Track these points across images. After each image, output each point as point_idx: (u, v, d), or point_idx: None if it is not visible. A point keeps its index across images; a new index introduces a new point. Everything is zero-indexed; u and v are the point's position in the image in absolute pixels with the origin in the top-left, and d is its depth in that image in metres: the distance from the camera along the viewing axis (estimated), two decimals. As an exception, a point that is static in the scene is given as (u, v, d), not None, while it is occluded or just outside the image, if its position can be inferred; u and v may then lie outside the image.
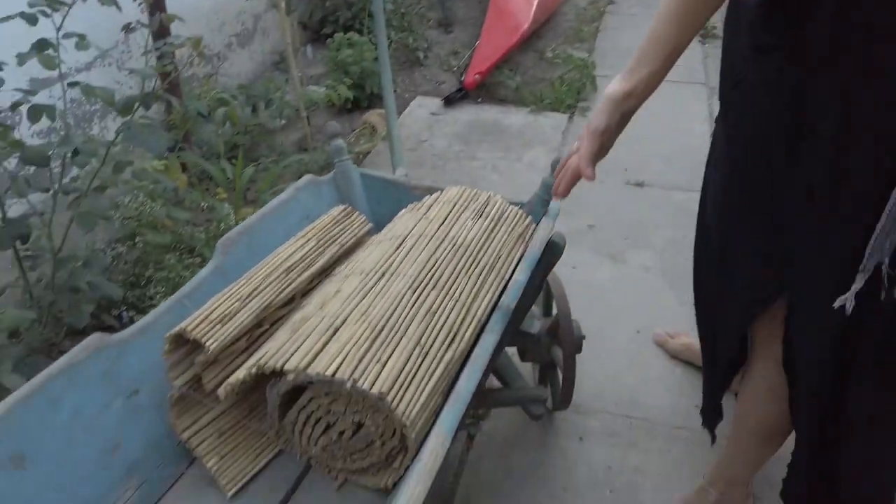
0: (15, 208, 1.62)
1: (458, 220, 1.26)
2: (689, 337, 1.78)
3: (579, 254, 2.18)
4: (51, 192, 1.63)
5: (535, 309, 1.59)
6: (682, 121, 2.98)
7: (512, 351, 1.60)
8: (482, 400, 1.46)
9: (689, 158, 2.71)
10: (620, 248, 2.21)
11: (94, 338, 1.03)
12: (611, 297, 2.00)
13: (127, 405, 1.05)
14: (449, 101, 3.21)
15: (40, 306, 1.56)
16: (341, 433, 1.01)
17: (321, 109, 3.19)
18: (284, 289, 1.20)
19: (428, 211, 1.30)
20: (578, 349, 1.57)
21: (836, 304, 0.96)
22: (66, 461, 0.96)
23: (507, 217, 1.30)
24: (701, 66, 3.53)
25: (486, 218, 1.27)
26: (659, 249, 2.20)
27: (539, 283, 1.37)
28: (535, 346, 1.54)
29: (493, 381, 1.54)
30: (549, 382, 1.62)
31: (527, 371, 1.74)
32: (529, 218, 1.33)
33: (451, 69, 3.65)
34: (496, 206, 1.31)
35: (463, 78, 3.28)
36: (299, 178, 1.51)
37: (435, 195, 1.36)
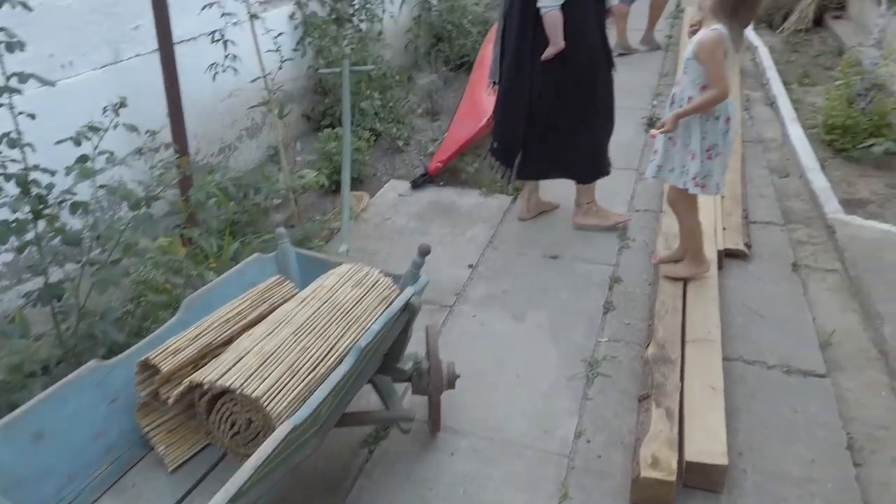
0: (54, 275, 2.27)
1: (341, 287, 1.85)
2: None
3: (489, 313, 2.73)
4: (80, 263, 2.28)
5: (420, 353, 2.13)
6: (608, 202, 3.53)
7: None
8: (360, 419, 2.00)
9: (600, 236, 3.25)
10: (523, 309, 2.75)
11: (93, 362, 1.63)
12: (503, 348, 2.53)
13: (110, 407, 1.64)
14: (415, 185, 3.84)
15: (66, 349, 2.18)
16: (241, 427, 1.58)
17: (311, 191, 3.86)
18: (223, 334, 1.79)
19: (325, 280, 1.89)
20: (451, 385, 2.12)
21: None
22: (68, 440, 1.54)
23: (379, 285, 1.89)
24: (638, 152, 4.12)
25: (362, 286, 1.86)
26: (553, 310, 2.73)
27: (404, 331, 1.92)
28: (418, 381, 2.08)
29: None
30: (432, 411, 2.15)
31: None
32: (395, 286, 1.91)
33: (428, 154, 4.31)
34: (371, 278, 1.90)
35: (428, 165, 3.92)
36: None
37: (333, 269, 1.95)
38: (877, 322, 2.51)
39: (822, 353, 2.44)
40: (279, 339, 1.65)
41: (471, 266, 3.07)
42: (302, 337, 1.66)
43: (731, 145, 2.53)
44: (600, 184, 3.28)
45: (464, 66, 5.70)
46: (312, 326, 1.70)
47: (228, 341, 1.80)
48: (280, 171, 3.61)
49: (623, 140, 4.03)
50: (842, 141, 3.92)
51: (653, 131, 2.59)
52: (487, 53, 4.78)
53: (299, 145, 4.31)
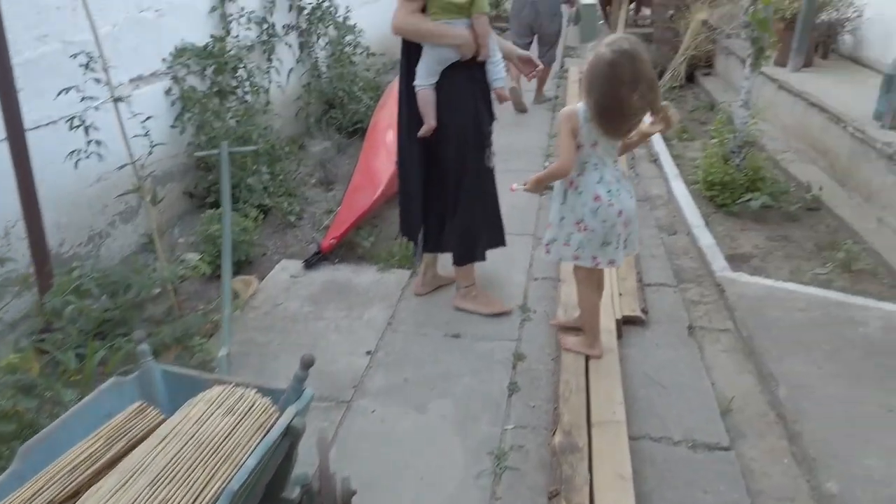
0: None
1: (210, 417, 1.63)
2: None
3: (390, 406, 2.56)
4: None
5: (311, 470, 1.92)
6: (506, 270, 3.49)
7: None
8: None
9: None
10: (425, 399, 2.60)
11: None
12: (406, 447, 2.36)
13: None
14: (308, 264, 3.65)
15: None
16: None
17: (193, 278, 3.57)
18: (68, 486, 1.52)
19: (191, 410, 1.67)
20: (347, 504, 1.91)
21: None
22: None
23: (255, 409, 1.68)
24: (534, 217, 4.13)
25: (235, 414, 1.65)
26: (457, 397, 2.60)
27: (288, 457, 1.72)
28: (310, 505, 1.87)
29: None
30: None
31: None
32: (274, 408, 1.71)
33: (323, 228, 4.14)
34: (246, 401, 1.69)
35: (321, 242, 3.74)
36: (153, 352, 1.89)
37: (203, 393, 1.73)
38: (772, 384, 2.55)
39: (723, 421, 2.44)
40: (132, 493, 1.41)
41: (369, 353, 2.90)
42: (160, 487, 1.43)
43: (607, 227, 2.44)
44: (498, 250, 3.21)
45: (357, 132, 5.62)
46: (173, 472, 1.47)
47: (76, 493, 1.54)
48: (156, 261, 3.33)
49: (518, 204, 4.04)
50: (721, 197, 4.11)
51: (513, 185, 2.62)
52: (380, 119, 4.73)
53: (177, 230, 4.03)
